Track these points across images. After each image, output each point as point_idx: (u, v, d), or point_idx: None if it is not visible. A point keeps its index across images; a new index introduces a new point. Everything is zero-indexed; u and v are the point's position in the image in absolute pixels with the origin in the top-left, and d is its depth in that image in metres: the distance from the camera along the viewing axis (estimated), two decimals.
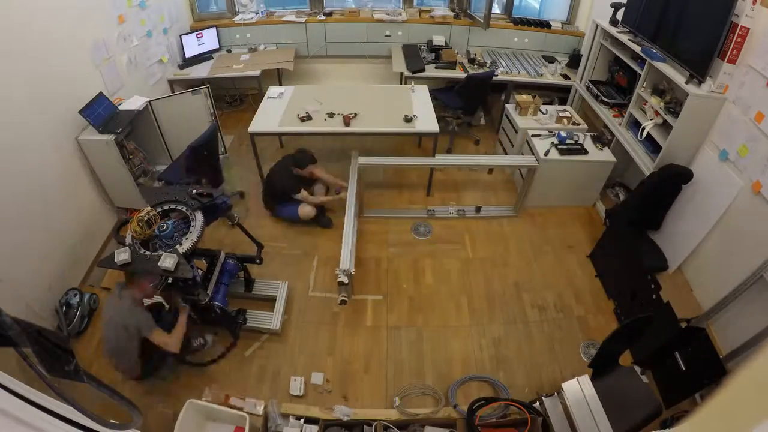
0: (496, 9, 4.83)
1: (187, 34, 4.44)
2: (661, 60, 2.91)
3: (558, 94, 4.57)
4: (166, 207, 2.26)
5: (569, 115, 3.81)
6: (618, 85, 3.74)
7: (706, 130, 2.71)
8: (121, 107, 3.21)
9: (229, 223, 2.61)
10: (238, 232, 2.75)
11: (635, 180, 3.34)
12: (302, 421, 2.21)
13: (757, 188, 2.30)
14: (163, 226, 2.12)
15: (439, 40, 4.52)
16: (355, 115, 3.45)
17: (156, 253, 2.02)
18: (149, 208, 2.15)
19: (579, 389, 1.98)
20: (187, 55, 4.48)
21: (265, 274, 3.01)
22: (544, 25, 4.67)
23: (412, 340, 2.73)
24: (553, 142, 3.47)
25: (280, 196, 3.35)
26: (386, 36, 4.80)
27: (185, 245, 2.09)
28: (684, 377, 2.25)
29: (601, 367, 2.14)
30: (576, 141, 3.49)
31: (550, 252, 3.32)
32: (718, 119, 2.63)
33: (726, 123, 2.57)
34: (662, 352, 2.38)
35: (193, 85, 3.98)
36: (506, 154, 4.12)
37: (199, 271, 2.38)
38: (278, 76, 4.97)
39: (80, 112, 2.87)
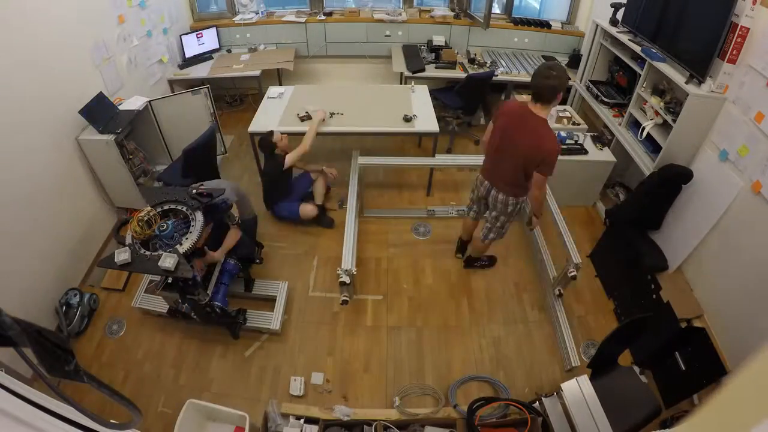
0: (496, 9, 4.83)
1: (187, 34, 4.44)
2: (661, 60, 2.91)
3: None
4: (166, 207, 2.26)
5: (569, 115, 3.80)
6: (618, 85, 3.74)
7: (706, 130, 2.71)
8: (121, 107, 3.21)
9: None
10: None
11: (635, 180, 3.34)
12: (302, 421, 2.21)
13: (757, 188, 2.30)
14: (163, 226, 2.12)
15: (439, 40, 4.52)
16: (338, 114, 3.49)
17: (156, 253, 2.02)
18: (149, 208, 2.15)
19: (578, 389, 1.98)
20: (187, 55, 4.48)
21: (265, 274, 3.02)
22: (544, 25, 4.67)
23: (412, 340, 2.73)
24: None
25: (277, 188, 3.33)
26: (386, 36, 4.79)
27: (185, 245, 2.09)
28: (684, 377, 2.25)
29: (600, 367, 2.14)
30: (576, 141, 3.48)
31: (550, 252, 3.31)
32: (718, 119, 2.63)
33: (726, 123, 2.57)
34: (662, 352, 2.38)
35: (193, 85, 3.98)
36: None
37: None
38: (278, 76, 4.97)
39: (80, 112, 2.87)
